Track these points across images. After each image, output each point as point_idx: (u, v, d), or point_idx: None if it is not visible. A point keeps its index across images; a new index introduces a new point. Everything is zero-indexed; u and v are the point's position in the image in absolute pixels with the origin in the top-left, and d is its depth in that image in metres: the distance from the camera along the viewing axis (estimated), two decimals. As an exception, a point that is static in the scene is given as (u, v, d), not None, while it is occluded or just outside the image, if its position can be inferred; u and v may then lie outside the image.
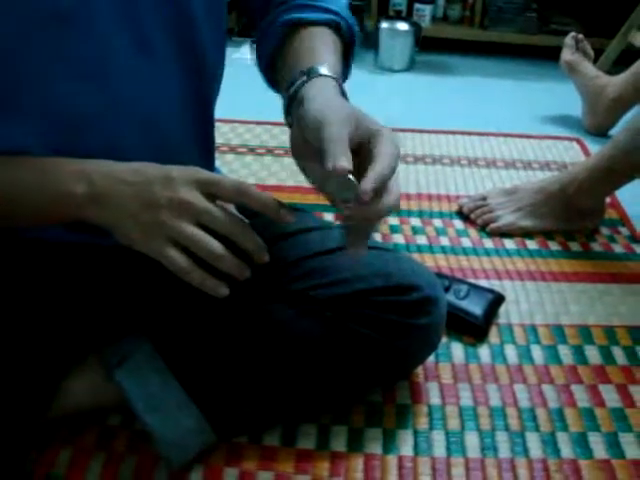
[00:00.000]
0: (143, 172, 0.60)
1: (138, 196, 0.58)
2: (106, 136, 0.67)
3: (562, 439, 0.80)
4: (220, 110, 0.85)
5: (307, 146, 0.60)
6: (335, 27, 0.74)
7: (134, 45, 0.65)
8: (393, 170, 0.57)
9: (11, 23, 0.58)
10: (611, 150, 1.13)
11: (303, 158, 0.62)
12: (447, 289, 0.99)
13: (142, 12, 0.64)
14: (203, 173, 0.60)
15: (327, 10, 0.74)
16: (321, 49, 0.70)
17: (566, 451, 0.79)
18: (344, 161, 0.53)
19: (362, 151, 0.58)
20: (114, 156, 0.67)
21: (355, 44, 0.78)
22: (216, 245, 0.58)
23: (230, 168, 1.43)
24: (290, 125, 0.65)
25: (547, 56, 2.08)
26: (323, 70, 0.64)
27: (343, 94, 0.65)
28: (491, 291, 1.02)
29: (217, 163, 0.96)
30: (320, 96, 0.61)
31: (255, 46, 0.80)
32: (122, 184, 0.59)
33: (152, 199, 0.58)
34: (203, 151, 0.83)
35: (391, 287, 0.76)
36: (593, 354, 0.94)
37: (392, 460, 0.77)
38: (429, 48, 2.23)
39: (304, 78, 0.64)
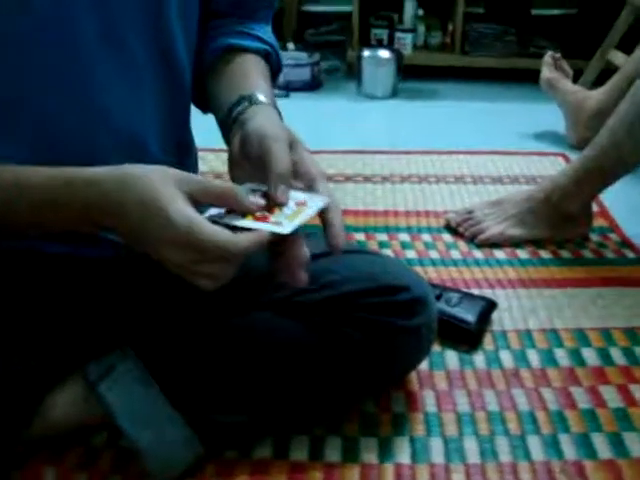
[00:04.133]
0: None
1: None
2: (88, 149, 0.66)
3: (564, 441, 0.78)
4: (206, 139, 0.86)
5: (243, 163, 0.64)
6: (265, 56, 0.79)
7: (115, 60, 0.65)
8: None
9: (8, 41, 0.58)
10: (591, 152, 1.13)
11: (238, 172, 0.64)
12: (438, 297, 0.97)
13: (123, 28, 0.65)
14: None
15: (260, 39, 0.79)
16: (257, 76, 0.75)
17: (569, 452, 0.76)
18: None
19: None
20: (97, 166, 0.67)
21: (280, 73, 0.83)
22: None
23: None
24: (228, 142, 0.68)
25: (527, 78, 2.11)
26: (261, 97, 0.69)
27: (281, 119, 0.69)
28: (483, 298, 1.00)
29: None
30: (262, 118, 0.65)
31: None
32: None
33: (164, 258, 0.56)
34: (183, 165, 0.82)
35: (379, 288, 0.74)
36: (590, 356, 0.92)
37: (389, 469, 0.74)
38: (412, 75, 2.26)
39: (246, 104, 0.68)
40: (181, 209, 0.54)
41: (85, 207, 0.57)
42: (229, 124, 0.68)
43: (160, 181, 0.55)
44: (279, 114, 0.69)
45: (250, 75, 0.74)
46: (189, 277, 0.56)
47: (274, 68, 0.81)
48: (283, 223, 0.56)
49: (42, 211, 0.58)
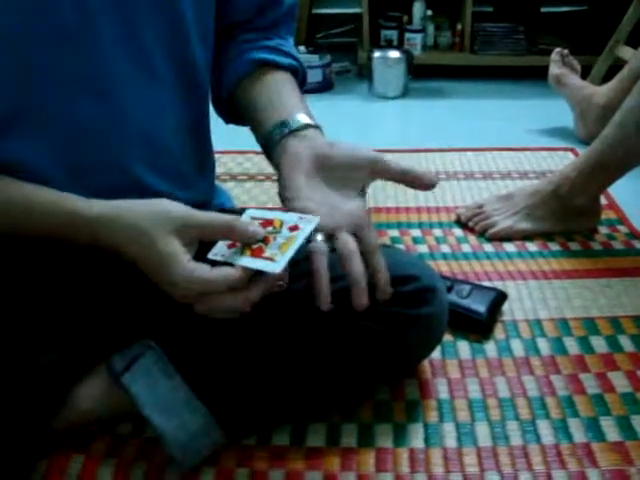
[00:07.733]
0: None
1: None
2: (109, 150, 0.70)
3: (573, 425, 0.80)
4: (221, 143, 0.89)
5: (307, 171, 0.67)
6: (293, 71, 0.81)
7: (135, 63, 0.68)
8: None
9: (20, 40, 0.61)
10: (599, 145, 1.15)
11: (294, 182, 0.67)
12: (450, 289, 0.99)
13: (142, 31, 0.68)
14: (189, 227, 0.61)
15: (289, 54, 0.81)
16: (295, 97, 0.78)
17: (578, 436, 0.78)
18: None
19: None
20: (118, 169, 0.70)
21: (304, 86, 0.85)
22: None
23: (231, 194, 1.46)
24: (272, 154, 0.72)
25: (536, 75, 2.13)
26: (310, 120, 0.73)
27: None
28: (493, 289, 1.03)
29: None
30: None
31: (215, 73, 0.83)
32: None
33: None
34: (201, 167, 0.85)
35: (390, 279, 0.76)
36: (599, 344, 0.94)
37: (403, 453, 0.76)
38: (422, 75, 2.28)
39: (300, 123, 0.72)
40: (180, 269, 0.59)
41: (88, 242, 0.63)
42: (275, 140, 0.71)
43: (159, 236, 0.60)
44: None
45: (290, 95, 0.77)
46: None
47: (300, 81, 0.83)
48: (275, 259, 0.59)
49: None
